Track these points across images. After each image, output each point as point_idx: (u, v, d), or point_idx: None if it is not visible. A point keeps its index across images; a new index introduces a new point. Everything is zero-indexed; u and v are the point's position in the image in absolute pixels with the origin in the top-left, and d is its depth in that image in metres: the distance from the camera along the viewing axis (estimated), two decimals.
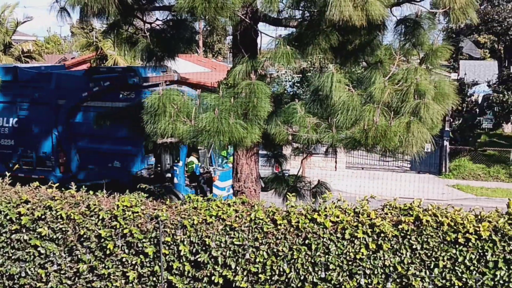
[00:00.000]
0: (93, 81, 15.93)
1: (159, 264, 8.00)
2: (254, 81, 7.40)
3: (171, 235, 7.95)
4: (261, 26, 8.48)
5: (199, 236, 7.87)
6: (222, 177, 16.06)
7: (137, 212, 8.13)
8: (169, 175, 16.10)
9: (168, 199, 8.51)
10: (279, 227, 7.68)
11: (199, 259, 7.87)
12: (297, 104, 7.65)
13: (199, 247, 7.89)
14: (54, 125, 16.23)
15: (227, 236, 7.81)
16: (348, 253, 7.48)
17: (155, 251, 8.01)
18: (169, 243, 7.97)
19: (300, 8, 7.75)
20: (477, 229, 7.07)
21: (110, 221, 8.16)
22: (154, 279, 8.12)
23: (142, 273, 8.13)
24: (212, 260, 7.87)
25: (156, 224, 7.99)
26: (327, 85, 7.16)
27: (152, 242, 8.03)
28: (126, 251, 8.13)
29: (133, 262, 8.12)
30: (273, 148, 10.04)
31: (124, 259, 8.13)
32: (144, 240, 8.04)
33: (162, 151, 15.60)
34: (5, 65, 23.56)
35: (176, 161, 16.00)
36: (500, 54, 37.83)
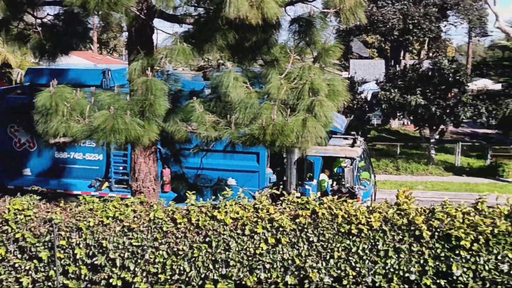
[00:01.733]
0: None
1: (54, 268, 7.65)
2: (150, 78, 7.26)
3: (66, 238, 7.63)
4: (157, 22, 8.34)
5: (96, 239, 7.61)
6: (365, 197, 14.54)
7: (30, 215, 7.73)
8: (297, 194, 13.94)
9: None
10: (179, 226, 7.61)
11: (96, 262, 7.63)
12: (195, 102, 7.61)
13: (96, 250, 7.64)
14: None
15: (125, 237, 7.62)
16: (248, 249, 7.57)
17: (50, 255, 7.66)
18: (64, 247, 7.66)
19: (197, 5, 7.71)
20: (369, 220, 7.44)
21: (1, 225, 7.70)
22: (50, 284, 7.77)
23: (36, 278, 7.76)
24: (110, 262, 7.66)
25: (50, 228, 7.64)
26: (225, 83, 7.19)
27: (46, 246, 7.68)
28: (19, 256, 7.73)
29: (27, 268, 7.74)
30: (173, 146, 9.91)
31: (17, 265, 7.73)
32: (37, 244, 7.67)
33: (288, 168, 14.59)
34: None
35: (307, 178, 14.69)
36: (387, 53, 40.10)
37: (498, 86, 28.48)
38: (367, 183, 15.29)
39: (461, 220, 7.30)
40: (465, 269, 7.21)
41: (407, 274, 7.35)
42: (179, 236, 7.62)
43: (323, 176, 14.66)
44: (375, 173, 18.02)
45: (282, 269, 7.59)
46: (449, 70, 22.84)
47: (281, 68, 7.93)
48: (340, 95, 7.67)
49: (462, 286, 7.24)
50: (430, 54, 41.16)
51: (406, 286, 7.40)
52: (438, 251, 7.29)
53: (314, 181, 14.59)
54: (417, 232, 7.33)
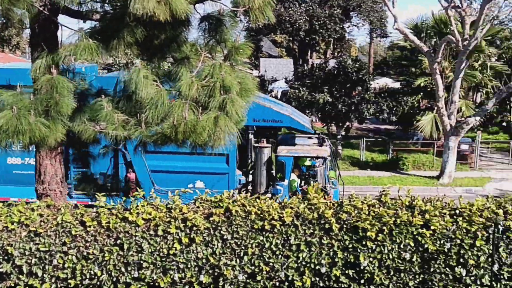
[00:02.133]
0: None
1: None
2: (55, 76, 6.96)
3: None
4: (63, 18, 7.99)
5: (0, 245, 7.20)
6: (335, 195, 14.49)
7: None
8: (268, 195, 12.27)
9: None
10: (88, 229, 7.37)
11: (1, 270, 7.22)
12: (103, 100, 7.39)
13: (1, 257, 7.24)
14: None
15: (31, 242, 7.28)
16: (161, 250, 7.47)
17: None
18: None
19: (103, 0, 7.49)
20: (281, 215, 7.59)
21: None
22: None
23: None
24: (16, 269, 7.29)
25: None
26: (134, 80, 7.04)
27: None
28: None
29: None
30: (81, 147, 9.56)
31: None
32: None
33: (258, 168, 14.14)
34: None
35: (278, 179, 14.37)
36: (295, 52, 41.07)
37: (398, 85, 30.09)
38: (336, 181, 15.50)
39: (367, 212, 7.64)
40: (371, 259, 7.55)
41: (318, 267, 7.59)
42: (89, 240, 7.38)
43: (293, 176, 14.61)
44: None
45: (197, 269, 7.57)
46: (353, 69, 23.77)
47: (191, 66, 7.89)
48: (251, 93, 7.76)
49: (369, 275, 7.57)
50: (335, 54, 42.68)
51: (317, 278, 7.63)
52: (347, 243, 7.59)
53: (286, 181, 14.47)
54: (326, 226, 7.58)
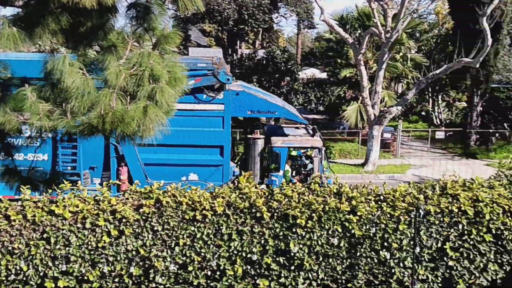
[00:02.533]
0: None
1: None
2: None
3: None
4: None
5: None
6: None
7: None
8: (263, 186, 11.86)
9: None
10: (13, 223, 7.08)
11: None
12: (27, 90, 7.07)
13: None
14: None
15: None
16: (90, 243, 7.30)
17: None
18: None
19: None
20: (213, 205, 7.61)
21: None
22: None
23: None
24: None
25: None
26: (59, 69, 6.78)
27: None
28: None
29: None
30: (3, 138, 9.10)
31: None
32: None
33: (252, 160, 13.80)
34: None
35: (274, 170, 13.83)
36: (224, 42, 40.97)
37: (325, 75, 30.78)
38: (328, 171, 15.49)
39: (297, 200, 7.81)
40: (301, 246, 7.73)
41: (249, 255, 7.68)
42: (14, 234, 7.10)
43: (287, 167, 14.47)
44: None
45: (126, 261, 7.45)
46: (281, 59, 24.09)
47: (119, 55, 7.69)
48: (181, 82, 7.67)
49: (299, 261, 7.75)
50: (264, 44, 42.97)
51: (249, 266, 7.72)
52: (277, 230, 7.72)
53: (281, 171, 14.29)
54: (258, 214, 7.68)
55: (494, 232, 7.82)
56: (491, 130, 28.26)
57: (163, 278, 7.56)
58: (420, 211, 7.66)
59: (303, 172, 14.46)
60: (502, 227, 7.82)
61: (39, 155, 13.13)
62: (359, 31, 25.97)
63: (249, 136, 14.71)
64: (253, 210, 7.70)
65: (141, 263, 7.50)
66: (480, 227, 7.82)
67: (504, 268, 7.93)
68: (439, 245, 7.88)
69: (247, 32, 35.54)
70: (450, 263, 7.89)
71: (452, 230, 7.85)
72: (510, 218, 7.82)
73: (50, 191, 7.96)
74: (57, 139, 13.22)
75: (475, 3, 20.81)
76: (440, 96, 32.61)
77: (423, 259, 7.90)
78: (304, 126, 16.22)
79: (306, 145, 14.68)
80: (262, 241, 7.71)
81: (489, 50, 20.02)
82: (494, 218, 7.80)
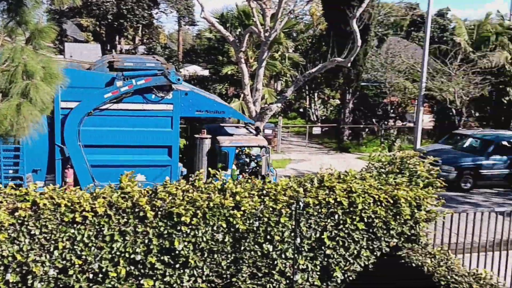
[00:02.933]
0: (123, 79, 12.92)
1: None
2: None
3: None
4: None
5: None
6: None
7: None
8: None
9: None
10: None
11: None
12: None
13: None
14: (59, 135, 12.81)
15: None
16: None
17: None
18: None
19: None
20: (93, 206, 7.38)
21: None
22: None
23: None
24: None
25: None
26: None
27: None
28: None
29: None
30: None
31: None
32: None
33: (199, 159, 13.94)
34: None
35: (221, 169, 12.73)
36: (102, 37, 39.62)
37: (206, 72, 30.95)
38: (273, 169, 15.44)
39: (181, 198, 7.81)
40: (186, 243, 7.75)
41: (133, 256, 7.55)
42: None
43: (233, 166, 14.38)
44: None
45: (2, 268, 7.00)
46: (162, 56, 23.82)
47: None
48: (58, 78, 7.34)
49: (184, 259, 7.77)
50: (144, 40, 42.17)
51: (133, 267, 7.60)
52: (162, 229, 7.67)
53: (229, 170, 14.06)
54: (141, 214, 7.58)
55: (366, 220, 8.40)
56: (361, 126, 30.16)
57: (42, 283, 7.20)
58: (300, 203, 8.03)
59: (247, 170, 14.45)
60: (373, 216, 8.42)
61: None
62: (240, 30, 26.43)
63: (195, 135, 14.56)
64: (136, 210, 7.59)
65: (18, 269, 7.09)
66: (353, 217, 8.36)
67: (375, 253, 8.55)
68: (318, 235, 8.31)
69: (127, 27, 34.68)
70: (328, 251, 8.35)
71: (329, 221, 8.32)
72: (380, 207, 8.45)
73: None
74: None
75: (346, 6, 22.07)
76: (316, 94, 34.18)
77: (303, 249, 8.28)
78: (244, 125, 16.39)
79: (253, 144, 14.78)
80: (146, 241, 7.63)
81: (359, 51, 21.31)
82: (366, 207, 8.38)
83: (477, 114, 33.13)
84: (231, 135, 15.18)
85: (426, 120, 31.24)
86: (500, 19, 38.87)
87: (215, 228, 7.88)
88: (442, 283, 7.28)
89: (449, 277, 7.31)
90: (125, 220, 7.55)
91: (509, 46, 32.47)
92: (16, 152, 12.74)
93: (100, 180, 12.51)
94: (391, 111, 32.68)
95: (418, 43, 40.73)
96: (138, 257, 7.57)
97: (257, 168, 14.60)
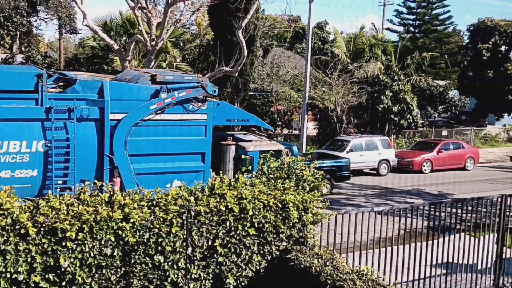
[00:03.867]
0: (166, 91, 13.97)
1: None
2: None
3: None
4: None
5: None
6: None
7: None
8: None
9: None
10: None
11: None
12: None
13: None
14: (107, 148, 13.44)
15: None
16: None
17: None
18: None
19: None
20: None
21: None
22: None
23: None
24: None
25: None
26: None
27: None
28: None
29: None
30: None
31: None
32: None
33: (226, 164, 15.12)
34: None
35: (246, 172, 14.02)
36: None
37: None
38: None
39: (65, 212, 7.47)
40: (72, 260, 7.41)
41: (15, 275, 7.09)
42: None
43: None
44: None
45: None
46: (42, 65, 22.68)
47: None
48: None
49: (70, 276, 7.42)
50: (23, 49, 39.82)
51: (15, 287, 7.13)
52: (46, 246, 7.28)
53: (254, 173, 13.13)
54: (22, 231, 7.14)
55: (256, 225, 8.57)
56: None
57: None
58: (191, 212, 8.01)
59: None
60: (263, 221, 8.61)
61: (29, 170, 12.82)
62: (125, 38, 25.87)
63: (222, 142, 15.57)
64: (17, 227, 7.13)
65: None
66: (245, 223, 8.49)
67: (266, 258, 8.74)
68: (210, 243, 8.33)
69: (3, 35, 32.57)
70: (220, 259, 8.40)
71: (220, 228, 8.37)
72: (269, 212, 8.66)
73: None
74: (49, 153, 12.88)
75: (232, 17, 22.47)
76: None
77: (195, 258, 8.26)
78: (254, 132, 18.20)
79: (273, 148, 15.91)
80: (29, 259, 7.19)
81: (245, 61, 21.76)
82: (256, 213, 8.55)
83: (355, 121, 35.13)
84: (250, 141, 16.49)
85: (310, 128, 32.59)
86: (373, 32, 41.65)
87: (103, 242, 7.61)
88: (329, 282, 7.62)
89: (335, 275, 7.66)
90: (5, 238, 7.07)
91: (382, 58, 34.90)
92: (66, 163, 13.14)
93: (143, 187, 12.26)
94: (278, 119, 33.66)
95: (301, 54, 42.41)
96: (21, 277, 7.12)
97: None
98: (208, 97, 14.84)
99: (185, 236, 8.05)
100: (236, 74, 21.83)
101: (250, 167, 15.40)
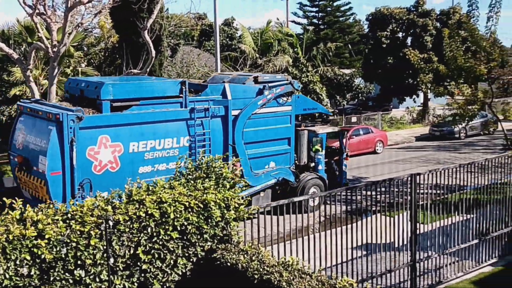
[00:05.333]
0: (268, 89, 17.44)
1: None
2: None
3: None
4: None
5: None
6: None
7: None
8: (312, 164, 19.26)
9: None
10: None
11: None
12: None
13: None
14: (230, 138, 16.54)
15: None
16: None
17: None
18: None
19: None
20: None
21: None
22: None
23: None
24: None
25: None
26: None
27: None
28: None
29: None
30: None
31: None
32: None
33: (300, 144, 18.84)
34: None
35: (318, 150, 19.20)
36: None
37: None
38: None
39: None
40: None
41: None
42: None
43: (317, 147, 19.39)
44: None
45: None
46: None
47: None
48: None
49: None
50: None
51: None
52: None
53: (323, 151, 19.48)
54: None
55: (179, 228, 8.46)
56: None
57: None
58: (110, 222, 7.77)
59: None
60: (185, 223, 8.51)
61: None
62: (24, 47, 24.61)
63: (298, 129, 18.90)
64: None
65: None
66: (167, 227, 8.35)
67: (192, 260, 8.65)
68: (132, 251, 8.12)
69: None
70: (144, 266, 8.21)
71: (142, 235, 8.18)
72: (191, 213, 8.57)
73: None
74: (192, 146, 15.70)
75: (136, 18, 21.98)
76: None
77: (118, 269, 8.02)
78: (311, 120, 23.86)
79: (334, 130, 21.23)
80: None
81: (154, 61, 21.40)
82: (178, 215, 8.43)
83: None
84: (314, 126, 20.03)
85: None
86: (279, 26, 42.34)
87: (18, 262, 7.21)
88: (256, 276, 7.66)
89: (261, 269, 7.72)
90: None
91: (290, 51, 35.59)
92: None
93: (254, 169, 17.30)
94: None
95: (210, 51, 42.35)
96: None
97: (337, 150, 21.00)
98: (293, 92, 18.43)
99: (105, 247, 7.79)
100: (146, 76, 21.42)
101: (319, 147, 19.36)
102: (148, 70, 20.46)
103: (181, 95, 15.56)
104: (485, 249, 12.92)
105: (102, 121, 14.05)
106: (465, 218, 12.54)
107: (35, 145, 13.95)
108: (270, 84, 17.55)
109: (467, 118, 21.69)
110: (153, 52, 19.92)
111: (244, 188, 11.12)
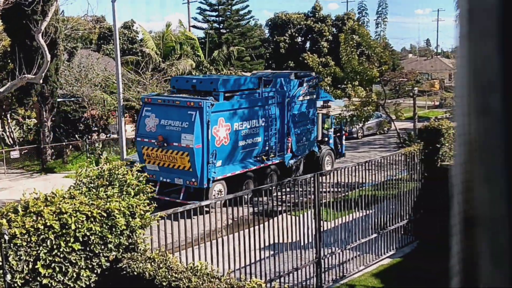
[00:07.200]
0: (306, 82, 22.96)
1: None
2: None
3: None
4: None
5: None
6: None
7: None
8: (326, 138, 24.79)
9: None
10: None
11: None
12: None
13: None
14: (286, 119, 21.61)
15: None
16: None
17: None
18: None
19: None
20: None
21: None
22: None
23: None
24: None
25: None
26: None
27: None
28: None
29: None
30: None
31: None
32: None
33: (318, 123, 23.95)
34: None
35: (329, 128, 24.82)
36: None
37: None
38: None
39: None
40: None
41: None
42: None
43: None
44: None
45: None
46: None
47: None
48: None
49: None
50: None
51: None
52: None
53: (333, 129, 24.85)
54: None
55: (81, 239, 8.11)
56: (64, 143, 29.08)
57: None
58: (5, 236, 7.30)
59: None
60: (88, 233, 8.17)
61: (259, 138, 20.91)
62: None
63: (317, 112, 23.67)
64: None
65: None
66: (68, 238, 7.98)
67: (96, 271, 8.33)
68: (31, 266, 7.68)
69: None
70: (44, 281, 7.78)
71: (41, 248, 7.76)
72: (94, 223, 8.26)
73: None
74: (264, 125, 21.02)
75: (29, 20, 20.90)
76: (9, 115, 31.55)
77: (16, 285, 7.55)
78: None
79: (337, 112, 24.71)
80: None
81: (49, 66, 20.45)
82: (79, 226, 8.09)
83: None
84: (323, 109, 24.48)
85: (129, 130, 31.84)
86: (182, 29, 42.08)
87: None
88: (164, 284, 7.53)
89: (169, 276, 7.60)
90: None
91: (192, 54, 35.45)
92: (271, 131, 21.27)
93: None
94: (93, 124, 32.29)
95: (109, 55, 41.18)
96: None
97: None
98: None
99: (1, 263, 7.30)
100: (41, 81, 20.41)
101: (329, 125, 24.54)
102: (43, 75, 19.51)
103: (258, 88, 20.70)
104: (384, 242, 13.61)
105: (222, 107, 18.90)
106: (364, 213, 13.13)
107: (174, 126, 18.32)
108: (305, 78, 22.83)
109: (363, 119, 22.86)
110: (48, 56, 19.02)
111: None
